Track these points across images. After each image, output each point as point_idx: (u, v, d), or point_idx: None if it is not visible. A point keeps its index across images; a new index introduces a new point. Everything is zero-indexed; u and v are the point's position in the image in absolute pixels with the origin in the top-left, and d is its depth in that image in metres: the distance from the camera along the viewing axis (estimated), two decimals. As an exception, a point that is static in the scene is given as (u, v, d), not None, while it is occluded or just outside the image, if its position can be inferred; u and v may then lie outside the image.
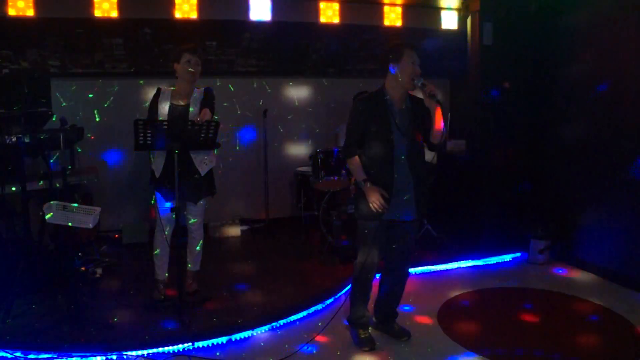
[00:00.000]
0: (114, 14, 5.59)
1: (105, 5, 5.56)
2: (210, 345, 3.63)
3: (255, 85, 6.34)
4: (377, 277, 3.86)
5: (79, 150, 5.23)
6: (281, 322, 3.96)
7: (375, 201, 3.39)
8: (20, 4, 5.31)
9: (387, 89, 3.51)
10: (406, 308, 4.21)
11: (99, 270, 4.61)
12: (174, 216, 3.76)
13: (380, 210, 3.41)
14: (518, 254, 5.50)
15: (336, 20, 6.36)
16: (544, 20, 5.49)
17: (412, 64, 3.39)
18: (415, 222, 3.63)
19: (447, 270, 5.17)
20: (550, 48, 5.48)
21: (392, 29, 6.54)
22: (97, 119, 5.66)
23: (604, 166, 4.88)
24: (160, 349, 3.51)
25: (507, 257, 5.48)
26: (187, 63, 3.95)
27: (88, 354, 3.41)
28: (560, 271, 5.15)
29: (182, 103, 4.00)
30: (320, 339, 3.72)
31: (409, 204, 3.50)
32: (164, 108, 3.97)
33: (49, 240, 4.68)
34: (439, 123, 3.41)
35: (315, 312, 4.18)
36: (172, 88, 4.06)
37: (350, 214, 4.90)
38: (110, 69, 5.72)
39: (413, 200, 3.50)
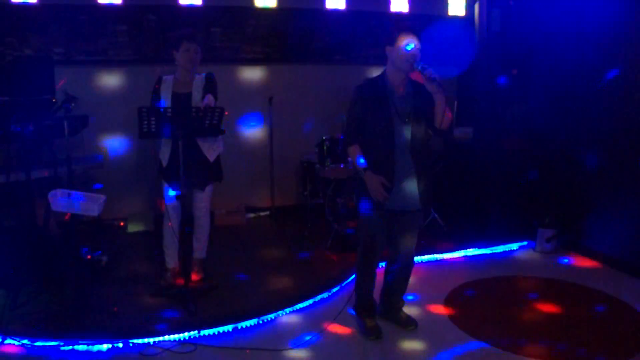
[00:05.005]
0: (118, 0, 5.54)
1: (109, -8, 5.51)
2: (216, 333, 3.62)
3: (260, 73, 6.29)
4: (383, 266, 3.84)
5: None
6: (287, 310, 3.94)
7: (376, 190, 3.34)
8: (24, -10, 5.27)
9: (387, 74, 3.44)
10: (413, 297, 4.19)
11: (104, 259, 4.61)
12: (180, 204, 3.75)
13: (381, 200, 3.36)
14: (525, 243, 5.46)
15: (342, 6, 6.28)
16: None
17: (407, 46, 3.31)
18: (419, 212, 3.56)
19: (453, 258, 5.14)
20: (560, 33, 5.40)
21: (399, 15, 6.46)
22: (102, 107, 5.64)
23: (613, 154, 4.82)
24: (167, 337, 3.50)
25: (514, 246, 5.44)
26: (186, 52, 3.91)
27: (94, 342, 3.41)
28: (567, 260, 5.11)
29: (184, 90, 3.98)
30: (326, 328, 3.70)
31: (412, 194, 3.42)
32: (167, 96, 3.95)
33: (55, 228, 4.68)
34: (442, 107, 3.31)
35: (322, 300, 4.17)
36: (173, 76, 4.04)
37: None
38: (115, 56, 5.68)
39: (416, 190, 3.42)
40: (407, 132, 3.37)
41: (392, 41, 3.34)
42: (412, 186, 3.42)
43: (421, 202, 3.46)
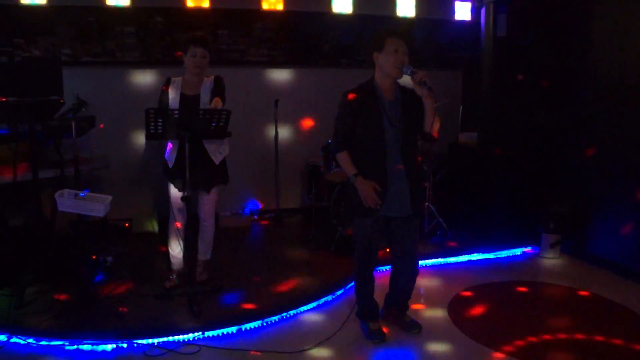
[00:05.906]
0: (126, 2, 5.58)
1: (117, -7, 5.55)
2: (220, 334, 3.63)
3: (266, 75, 6.31)
4: (387, 270, 3.82)
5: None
6: (291, 312, 3.95)
7: (368, 196, 3.31)
8: (33, -9, 5.31)
9: (376, 80, 3.41)
10: (417, 301, 4.18)
11: (110, 259, 4.62)
12: (185, 206, 3.76)
13: (373, 206, 3.33)
14: (529, 248, 5.46)
15: (349, 10, 6.31)
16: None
17: (395, 51, 3.27)
18: (412, 217, 3.52)
19: (457, 263, 5.14)
20: (565, 38, 5.40)
21: (405, 19, 6.49)
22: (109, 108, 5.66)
23: (618, 160, 4.81)
24: (171, 338, 3.51)
25: (518, 251, 5.43)
26: (193, 57, 3.92)
27: (99, 342, 3.42)
28: (571, 266, 5.10)
29: (192, 92, 3.99)
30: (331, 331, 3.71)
31: (404, 199, 3.40)
32: (175, 97, 3.96)
33: (69, 228, 4.71)
34: (432, 111, 3.28)
35: (325, 303, 4.17)
36: (182, 77, 4.05)
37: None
38: (122, 58, 5.72)
39: (408, 195, 3.40)
40: (397, 137, 3.35)
41: (380, 47, 3.32)
42: (404, 191, 3.40)
43: (412, 207, 3.44)
